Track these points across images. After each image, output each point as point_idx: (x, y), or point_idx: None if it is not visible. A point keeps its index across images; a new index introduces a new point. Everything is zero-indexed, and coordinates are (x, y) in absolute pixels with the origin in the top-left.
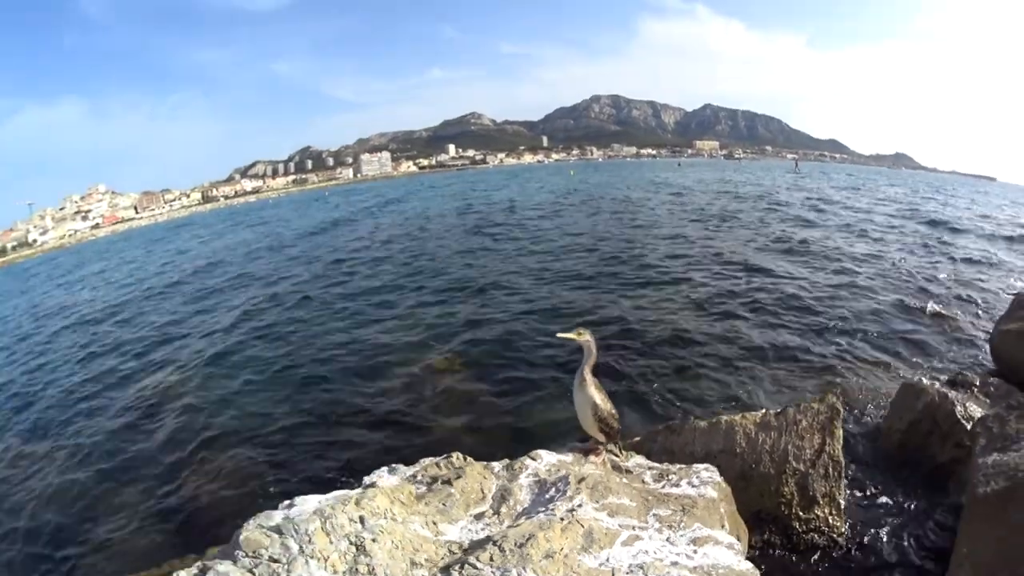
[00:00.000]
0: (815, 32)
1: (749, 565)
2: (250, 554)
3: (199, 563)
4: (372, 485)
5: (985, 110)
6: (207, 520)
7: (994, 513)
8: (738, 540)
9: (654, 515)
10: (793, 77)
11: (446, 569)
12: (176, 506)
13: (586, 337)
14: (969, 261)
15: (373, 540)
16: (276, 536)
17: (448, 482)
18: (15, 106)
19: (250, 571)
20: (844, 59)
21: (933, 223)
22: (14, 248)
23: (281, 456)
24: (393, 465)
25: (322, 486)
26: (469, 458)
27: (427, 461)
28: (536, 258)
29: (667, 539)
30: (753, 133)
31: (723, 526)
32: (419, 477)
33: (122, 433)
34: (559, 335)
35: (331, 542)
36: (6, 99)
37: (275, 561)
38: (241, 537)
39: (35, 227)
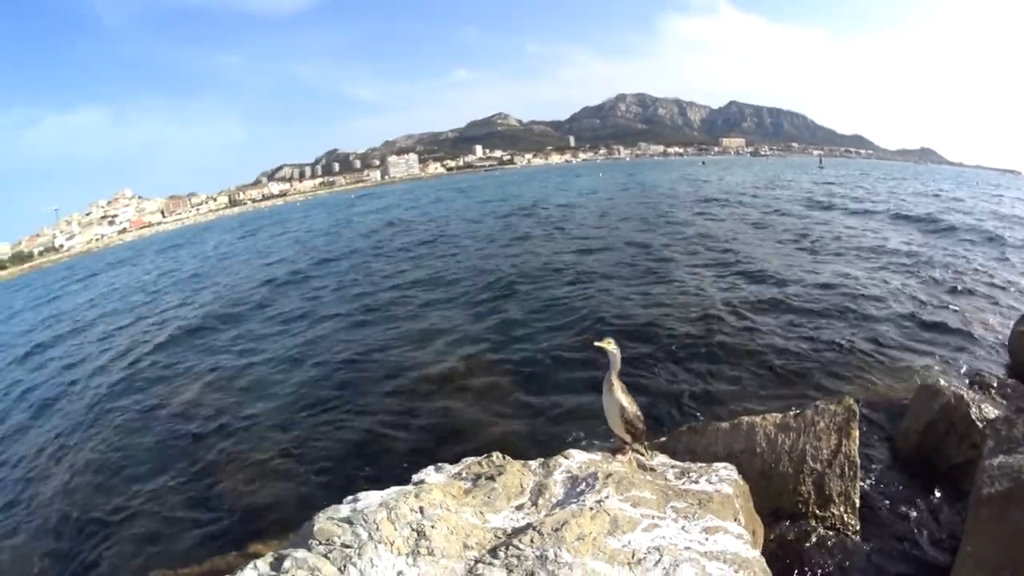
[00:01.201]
0: (838, 24)
1: (756, 554)
2: (323, 542)
3: (274, 552)
4: (422, 481)
5: (1009, 102)
6: (247, 518)
7: (997, 513)
8: (749, 533)
9: (672, 507)
10: (817, 71)
11: (494, 550)
12: (216, 503)
13: (612, 347)
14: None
15: (432, 527)
16: (347, 526)
17: (491, 478)
18: (38, 114)
19: (325, 556)
20: (868, 52)
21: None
22: (41, 253)
23: (316, 455)
24: (439, 464)
25: (363, 483)
26: (508, 457)
27: (469, 460)
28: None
29: (682, 527)
30: (779, 130)
31: (736, 520)
32: (463, 474)
33: (162, 430)
34: (596, 343)
35: (395, 529)
36: (29, 107)
37: (347, 547)
38: (315, 528)
39: (61, 232)
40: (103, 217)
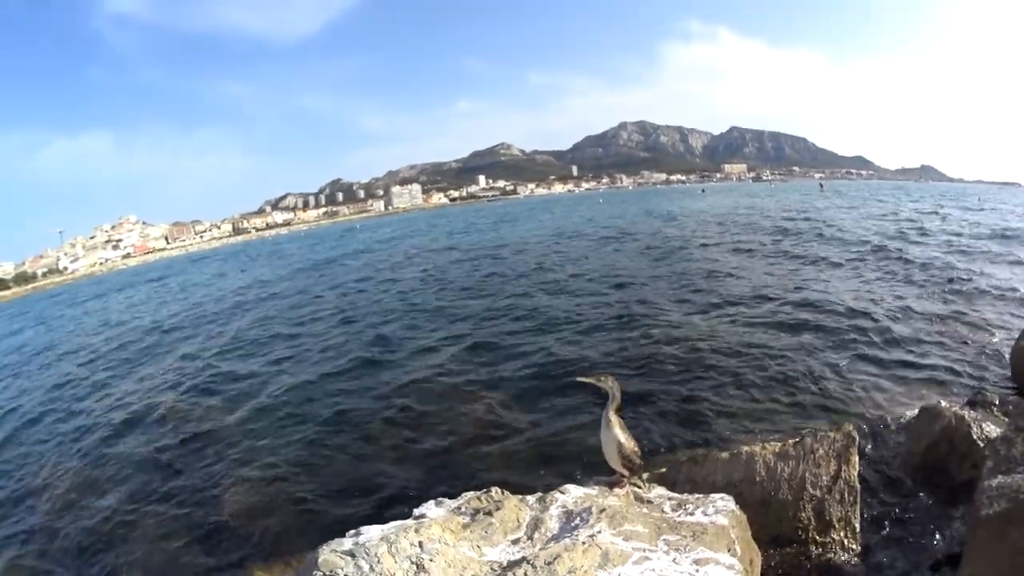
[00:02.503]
0: (837, 47)
1: None
2: (327, 573)
3: None
4: (422, 516)
5: (1006, 115)
6: (244, 545)
7: (996, 534)
8: (745, 562)
9: (664, 540)
10: (817, 94)
11: None
12: (212, 530)
13: (609, 383)
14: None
15: (431, 560)
16: (350, 558)
17: (489, 513)
18: (44, 138)
19: None
20: (867, 73)
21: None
22: (44, 274)
23: (314, 486)
24: (439, 499)
25: (363, 516)
26: (506, 492)
27: (469, 495)
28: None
29: (673, 560)
30: (780, 154)
31: (731, 550)
32: (463, 509)
33: (162, 455)
34: (579, 379)
35: (396, 562)
36: (36, 131)
37: None
38: (319, 559)
39: (66, 254)
40: (107, 241)
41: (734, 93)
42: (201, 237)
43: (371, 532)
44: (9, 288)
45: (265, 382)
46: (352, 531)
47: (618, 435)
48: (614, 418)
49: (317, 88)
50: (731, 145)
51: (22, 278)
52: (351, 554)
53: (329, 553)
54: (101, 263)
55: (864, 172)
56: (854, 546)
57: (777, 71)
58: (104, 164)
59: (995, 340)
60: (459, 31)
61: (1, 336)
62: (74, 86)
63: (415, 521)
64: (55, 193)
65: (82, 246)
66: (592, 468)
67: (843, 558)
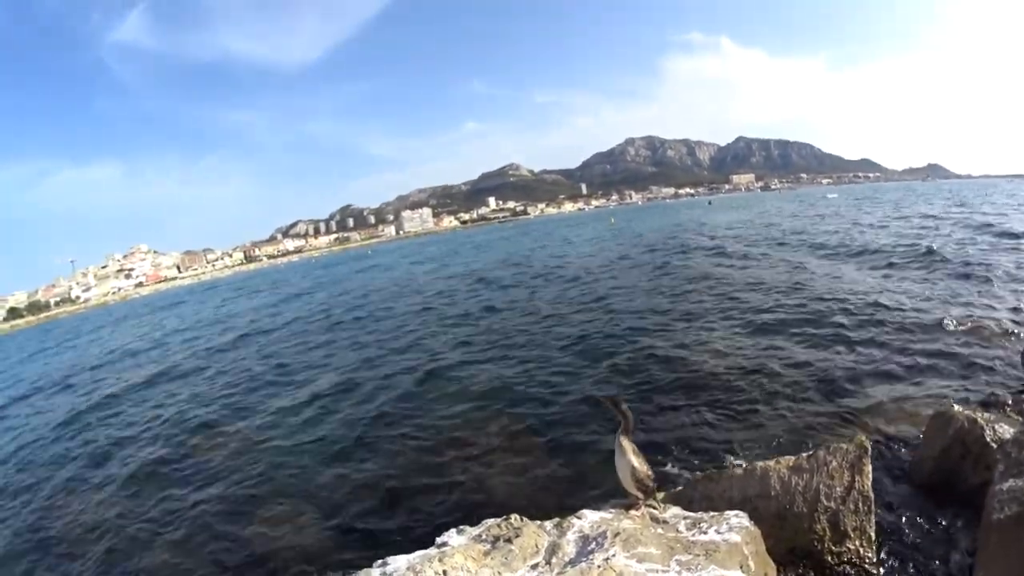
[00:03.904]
0: (837, 52)
1: None
2: None
3: None
4: (444, 544)
5: (1010, 108)
6: (271, 571)
7: (1008, 538)
8: None
9: (676, 560)
10: (820, 99)
11: None
12: (240, 554)
13: (622, 408)
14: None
15: None
16: None
17: (509, 540)
18: (53, 167)
19: None
20: (868, 76)
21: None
22: (57, 304)
23: (339, 518)
24: (461, 527)
25: (387, 537)
26: (525, 519)
27: (490, 522)
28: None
29: None
30: (787, 161)
31: (743, 566)
32: (483, 536)
33: (181, 478)
34: (593, 395)
35: None
36: (44, 160)
37: None
38: None
39: (78, 284)
40: (119, 270)
41: (739, 103)
42: (213, 265)
43: (398, 562)
44: (23, 317)
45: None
46: (379, 561)
47: (631, 460)
48: (627, 443)
49: (324, 114)
50: (738, 155)
51: (35, 307)
52: None
53: None
54: (114, 292)
55: (871, 174)
56: (870, 555)
57: (780, 79)
58: (114, 193)
59: (1008, 341)
60: (462, 54)
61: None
62: (81, 115)
63: (438, 551)
64: (63, 223)
65: (94, 275)
66: (609, 491)
67: (859, 567)
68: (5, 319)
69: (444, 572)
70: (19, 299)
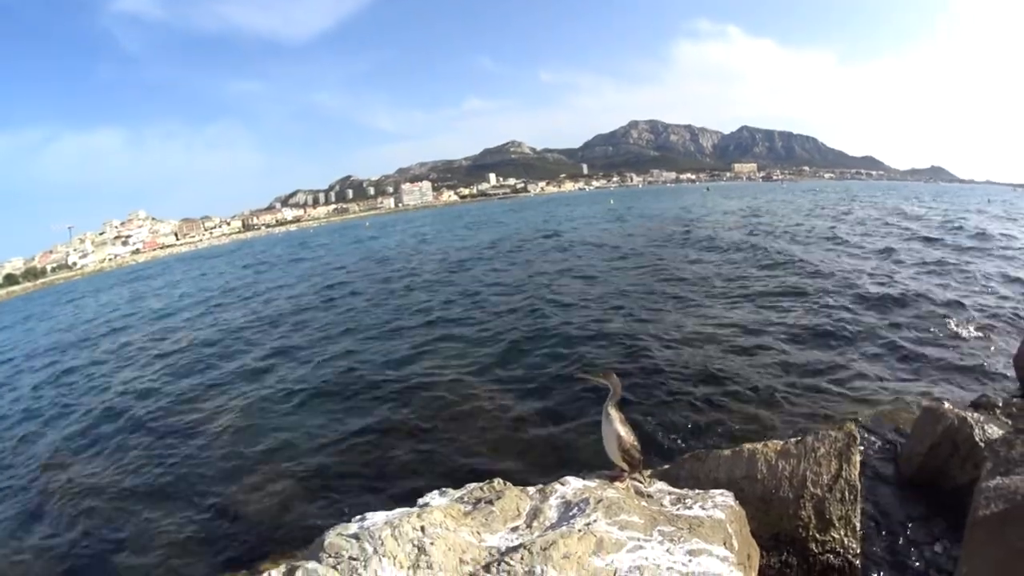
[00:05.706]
0: (848, 46)
1: (740, 575)
2: (333, 555)
3: (286, 563)
4: (426, 504)
5: (1016, 118)
6: (254, 537)
7: (992, 535)
8: (743, 556)
9: (659, 530)
10: (827, 93)
11: (487, 566)
12: (223, 524)
13: (612, 378)
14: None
15: (431, 544)
16: (355, 541)
17: (490, 502)
18: (54, 133)
19: (334, 567)
20: (878, 72)
21: None
22: (54, 270)
23: (322, 480)
24: (443, 489)
25: (370, 500)
26: (508, 483)
27: (472, 486)
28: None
29: (667, 550)
30: (791, 153)
31: (727, 544)
32: (466, 499)
33: (172, 449)
34: (579, 375)
35: (398, 545)
36: (46, 126)
37: (354, 560)
38: (326, 542)
39: (75, 250)
40: (116, 237)
41: (744, 93)
42: (211, 233)
43: (376, 517)
44: (19, 283)
45: (278, 375)
46: (358, 516)
47: (618, 428)
48: (614, 412)
49: (328, 85)
50: (741, 144)
51: (31, 273)
52: (356, 537)
53: (335, 536)
54: (110, 259)
55: (874, 172)
56: (854, 545)
57: (787, 71)
58: (114, 161)
59: (1001, 343)
60: (470, 29)
61: None
62: (84, 83)
63: (418, 508)
64: (65, 189)
65: (91, 242)
66: (594, 463)
67: (843, 557)
68: (1, 285)
69: (422, 528)
70: (16, 265)
